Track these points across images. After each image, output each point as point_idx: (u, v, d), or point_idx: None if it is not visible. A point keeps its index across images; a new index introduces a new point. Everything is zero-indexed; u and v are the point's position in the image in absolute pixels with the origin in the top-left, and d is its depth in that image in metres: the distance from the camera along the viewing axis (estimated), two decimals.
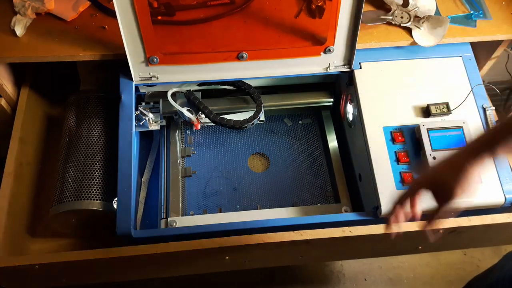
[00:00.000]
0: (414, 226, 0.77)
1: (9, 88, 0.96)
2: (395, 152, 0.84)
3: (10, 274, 0.79)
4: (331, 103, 1.03)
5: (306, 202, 0.95)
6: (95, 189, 0.84)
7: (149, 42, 0.82)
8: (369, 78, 0.90)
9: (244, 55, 0.86)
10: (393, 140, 0.85)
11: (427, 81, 0.91)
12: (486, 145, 0.52)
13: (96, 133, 0.90)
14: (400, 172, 0.82)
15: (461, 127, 0.84)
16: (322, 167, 1.00)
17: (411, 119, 0.87)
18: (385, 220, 0.62)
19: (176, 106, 0.90)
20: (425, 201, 0.81)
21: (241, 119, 0.92)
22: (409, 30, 0.93)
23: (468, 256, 1.31)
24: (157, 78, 0.88)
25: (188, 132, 1.03)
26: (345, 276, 1.26)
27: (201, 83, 0.94)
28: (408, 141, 0.85)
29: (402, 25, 0.93)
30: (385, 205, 0.80)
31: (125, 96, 0.88)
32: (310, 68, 0.91)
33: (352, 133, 0.95)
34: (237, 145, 1.03)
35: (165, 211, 0.91)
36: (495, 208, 0.82)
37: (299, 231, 0.77)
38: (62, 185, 0.85)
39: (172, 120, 1.02)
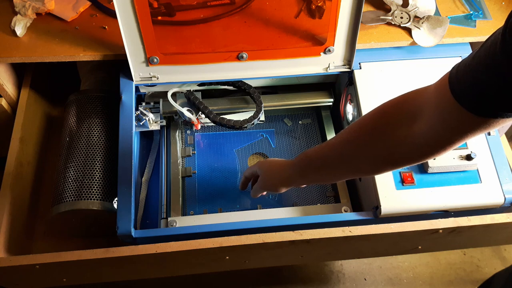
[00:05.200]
0: (414, 226, 0.78)
1: (9, 88, 0.96)
2: None
3: (10, 274, 0.79)
4: (331, 103, 1.03)
5: (306, 202, 0.95)
6: (95, 189, 0.84)
7: (149, 42, 0.82)
8: (369, 78, 0.90)
9: (244, 55, 0.86)
10: None
11: (427, 81, 0.90)
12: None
13: (96, 133, 0.90)
14: (400, 172, 0.82)
15: None
16: None
17: None
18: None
19: (176, 106, 0.91)
20: (426, 201, 0.81)
21: (241, 119, 0.92)
22: (409, 30, 0.93)
23: (468, 256, 1.31)
24: (157, 78, 0.88)
25: (188, 132, 1.03)
26: (345, 276, 1.26)
27: (201, 83, 0.94)
28: None
29: (402, 25, 0.93)
30: (385, 205, 0.80)
31: (125, 96, 0.88)
32: (310, 68, 0.91)
33: None
34: (237, 145, 1.03)
35: (165, 211, 0.91)
36: (495, 208, 0.83)
37: (299, 231, 0.77)
38: (62, 185, 0.85)
39: (172, 120, 1.02)
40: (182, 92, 0.94)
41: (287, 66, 0.90)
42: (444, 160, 0.82)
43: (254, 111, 0.93)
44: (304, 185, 0.82)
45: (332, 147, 0.65)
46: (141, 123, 0.91)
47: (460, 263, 1.30)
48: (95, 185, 0.84)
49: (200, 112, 0.93)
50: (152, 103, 0.96)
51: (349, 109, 0.95)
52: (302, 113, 1.08)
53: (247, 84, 0.94)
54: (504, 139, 0.97)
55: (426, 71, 0.91)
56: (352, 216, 0.83)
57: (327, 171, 0.68)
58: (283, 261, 0.99)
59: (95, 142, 0.89)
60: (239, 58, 0.87)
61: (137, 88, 0.92)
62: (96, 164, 0.87)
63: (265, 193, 0.86)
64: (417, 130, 0.53)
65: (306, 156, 0.71)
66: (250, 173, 0.85)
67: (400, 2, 0.95)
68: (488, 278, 0.86)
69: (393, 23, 0.93)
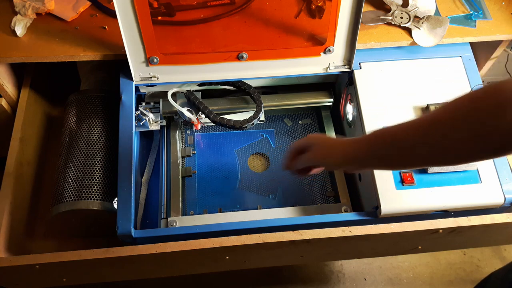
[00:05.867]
0: (414, 226, 0.78)
1: (9, 88, 0.96)
2: None
3: (10, 274, 0.79)
4: (331, 103, 1.03)
5: (306, 202, 0.95)
6: (95, 189, 0.84)
7: (149, 42, 0.82)
8: (369, 78, 0.90)
9: (244, 55, 0.86)
10: None
11: (427, 81, 0.91)
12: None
13: (96, 133, 0.90)
14: (400, 172, 0.82)
15: None
16: None
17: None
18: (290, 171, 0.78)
19: (176, 106, 0.91)
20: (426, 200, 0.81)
21: (241, 119, 0.92)
22: (409, 30, 0.93)
23: (468, 256, 1.31)
24: (157, 78, 0.88)
25: (188, 132, 1.03)
26: (345, 276, 1.26)
27: (201, 83, 0.94)
28: None
29: (402, 25, 0.93)
30: (385, 205, 0.80)
31: (125, 96, 0.88)
32: (310, 68, 0.91)
33: (352, 133, 0.95)
34: (237, 145, 1.03)
35: (165, 211, 0.91)
36: (495, 208, 0.83)
37: (299, 231, 0.77)
38: (62, 185, 0.85)
39: (172, 120, 1.02)
40: (182, 92, 0.94)
41: (287, 66, 0.90)
42: None
43: (254, 111, 0.93)
44: (362, 170, 0.75)
45: (416, 126, 0.59)
46: (141, 123, 0.91)
47: (460, 263, 1.30)
48: (95, 185, 0.84)
49: (200, 112, 0.93)
50: (152, 103, 0.96)
51: (349, 109, 0.95)
52: (302, 113, 1.08)
53: (247, 84, 0.94)
54: None
55: (426, 71, 0.92)
56: (352, 216, 0.83)
57: (402, 152, 0.61)
58: (283, 261, 0.99)
59: (95, 142, 0.89)
60: (239, 58, 0.87)
61: (137, 88, 0.92)
62: (96, 164, 0.87)
63: (312, 170, 0.77)
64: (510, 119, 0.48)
65: (381, 133, 0.64)
66: (299, 146, 0.75)
67: (400, 2, 0.95)
68: (485, 277, 0.86)
69: (393, 23, 0.93)
